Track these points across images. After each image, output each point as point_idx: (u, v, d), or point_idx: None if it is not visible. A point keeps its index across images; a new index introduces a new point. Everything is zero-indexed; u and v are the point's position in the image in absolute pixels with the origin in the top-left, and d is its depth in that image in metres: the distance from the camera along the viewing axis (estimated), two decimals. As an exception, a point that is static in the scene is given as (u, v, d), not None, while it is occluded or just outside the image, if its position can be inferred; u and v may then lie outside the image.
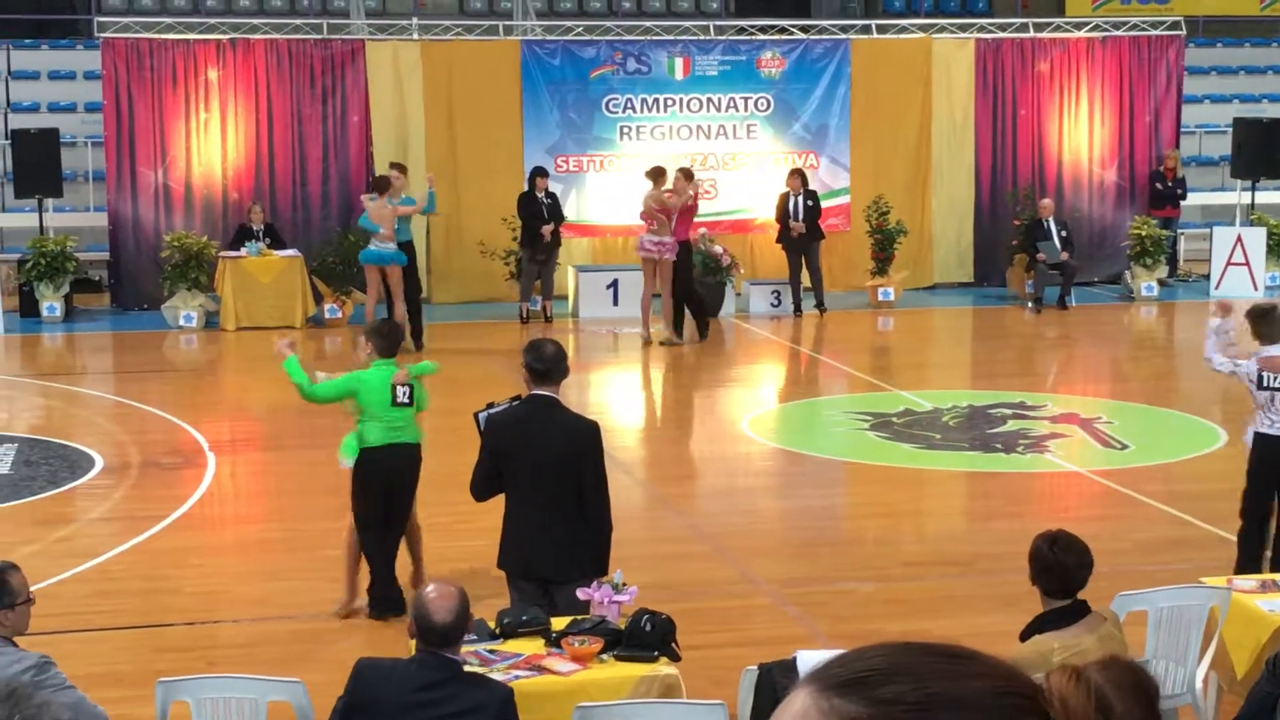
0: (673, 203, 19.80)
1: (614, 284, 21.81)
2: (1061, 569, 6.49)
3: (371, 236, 19.14)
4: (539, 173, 21.45)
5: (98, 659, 9.05)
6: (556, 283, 21.86)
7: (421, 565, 10.46)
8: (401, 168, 20.04)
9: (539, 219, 21.06)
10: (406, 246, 19.31)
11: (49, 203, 22.62)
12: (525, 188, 21.52)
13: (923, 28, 24.87)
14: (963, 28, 24.85)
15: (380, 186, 19.40)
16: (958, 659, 1.64)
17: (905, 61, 23.94)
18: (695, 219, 20.75)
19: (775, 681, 6.40)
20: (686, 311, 20.08)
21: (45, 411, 16.66)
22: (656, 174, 20.10)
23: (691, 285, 20.24)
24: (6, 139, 23.82)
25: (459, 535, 11.30)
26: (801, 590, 10.59)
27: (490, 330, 20.75)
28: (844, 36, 24.11)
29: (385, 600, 10.10)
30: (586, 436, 8.10)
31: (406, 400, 10.03)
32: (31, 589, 6.61)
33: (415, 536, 10.44)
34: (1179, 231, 24.75)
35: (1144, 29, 24.75)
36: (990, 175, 24.32)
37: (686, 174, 20.29)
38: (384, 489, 10.11)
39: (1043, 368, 19.54)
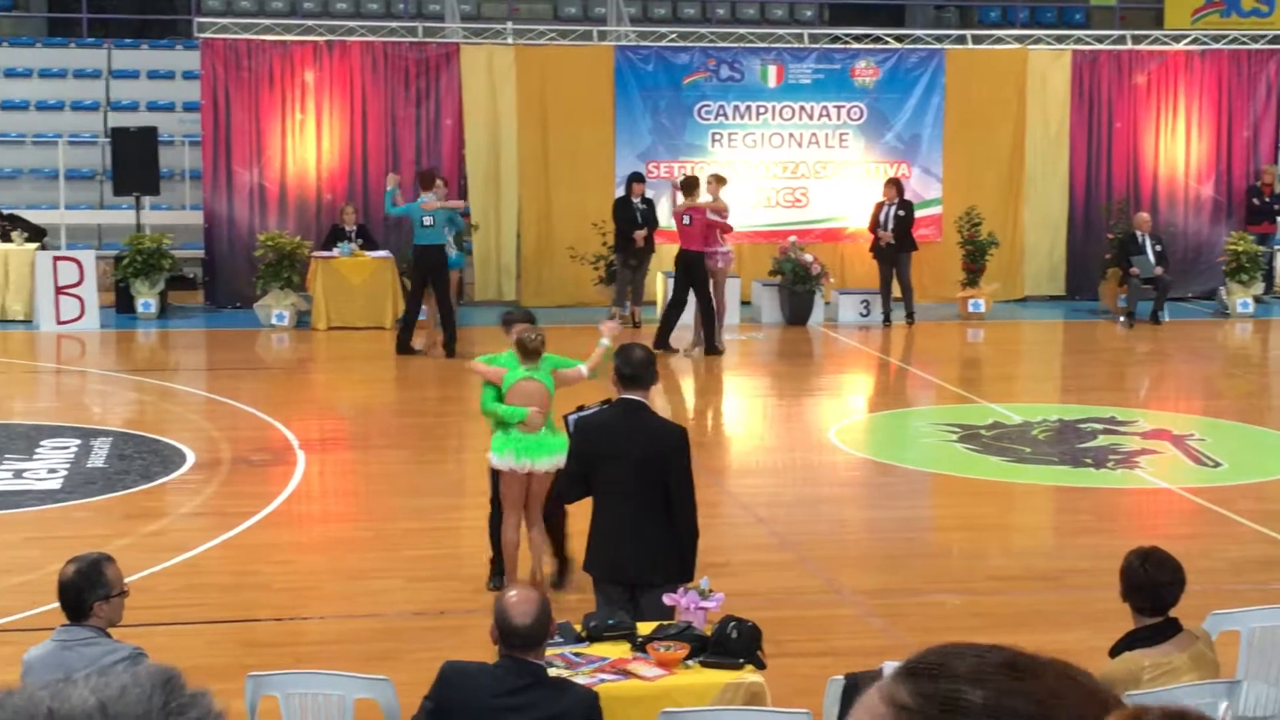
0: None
1: (703, 290, 21.76)
2: (1153, 586, 6.43)
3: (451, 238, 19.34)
4: (635, 178, 21.47)
5: (189, 652, 9.14)
6: (648, 289, 21.89)
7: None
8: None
9: (633, 224, 21.10)
10: (428, 251, 19.29)
11: (146, 200, 22.92)
12: (620, 193, 21.58)
13: (1018, 38, 24.70)
14: (1059, 39, 24.65)
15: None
16: (1021, 672, 1.65)
17: (1000, 72, 23.79)
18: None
19: (861, 692, 6.38)
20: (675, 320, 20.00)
21: (139, 406, 16.86)
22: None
23: (681, 296, 20.02)
24: (107, 137, 24.15)
25: (545, 538, 11.33)
26: (887, 601, 10.54)
27: (578, 335, 20.68)
28: (939, 46, 23.99)
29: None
30: (673, 441, 8.11)
31: None
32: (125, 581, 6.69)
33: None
34: (1276, 248, 24.45)
35: (1244, 42, 24.47)
36: (1084, 188, 24.13)
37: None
38: None
39: (1134, 383, 19.36)
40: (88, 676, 1.52)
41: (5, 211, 22.61)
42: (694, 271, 19.65)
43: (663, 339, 19.56)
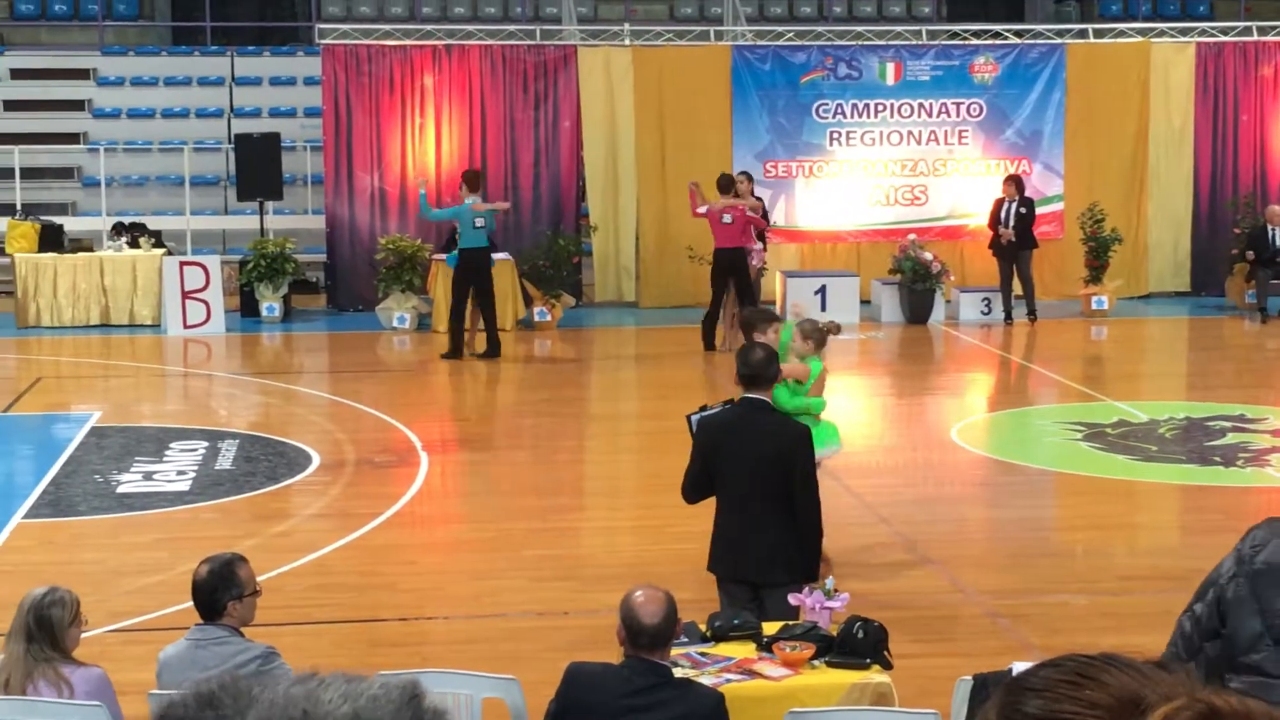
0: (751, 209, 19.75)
1: (822, 290, 21.73)
2: (1288, 586, 6.31)
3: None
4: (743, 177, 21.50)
5: (317, 652, 9.24)
6: (765, 287, 21.85)
7: None
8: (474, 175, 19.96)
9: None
10: (477, 253, 19.11)
11: (269, 205, 23.23)
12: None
13: (1141, 31, 24.39)
14: (1183, 31, 24.31)
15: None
16: (1086, 680, 1.65)
17: (1122, 66, 23.50)
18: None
19: (989, 693, 6.33)
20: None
21: (264, 409, 17.09)
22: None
23: (751, 293, 19.88)
24: (230, 143, 24.50)
25: (667, 538, 11.36)
26: (1012, 602, 10.44)
27: (697, 335, 20.77)
28: (1059, 41, 23.75)
29: None
30: (796, 439, 8.10)
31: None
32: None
33: None
34: None
35: (1374, 32, 24.01)
36: (1210, 182, 23.78)
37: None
38: None
39: (1263, 379, 19.02)
40: (337, 682, 1.55)
41: (128, 221, 22.95)
42: (739, 268, 19.56)
43: (708, 341, 19.62)
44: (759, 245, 20.02)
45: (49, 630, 6.48)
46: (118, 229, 22.63)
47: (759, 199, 20.96)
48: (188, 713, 1.53)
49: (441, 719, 1.57)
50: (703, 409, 8.60)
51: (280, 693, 1.53)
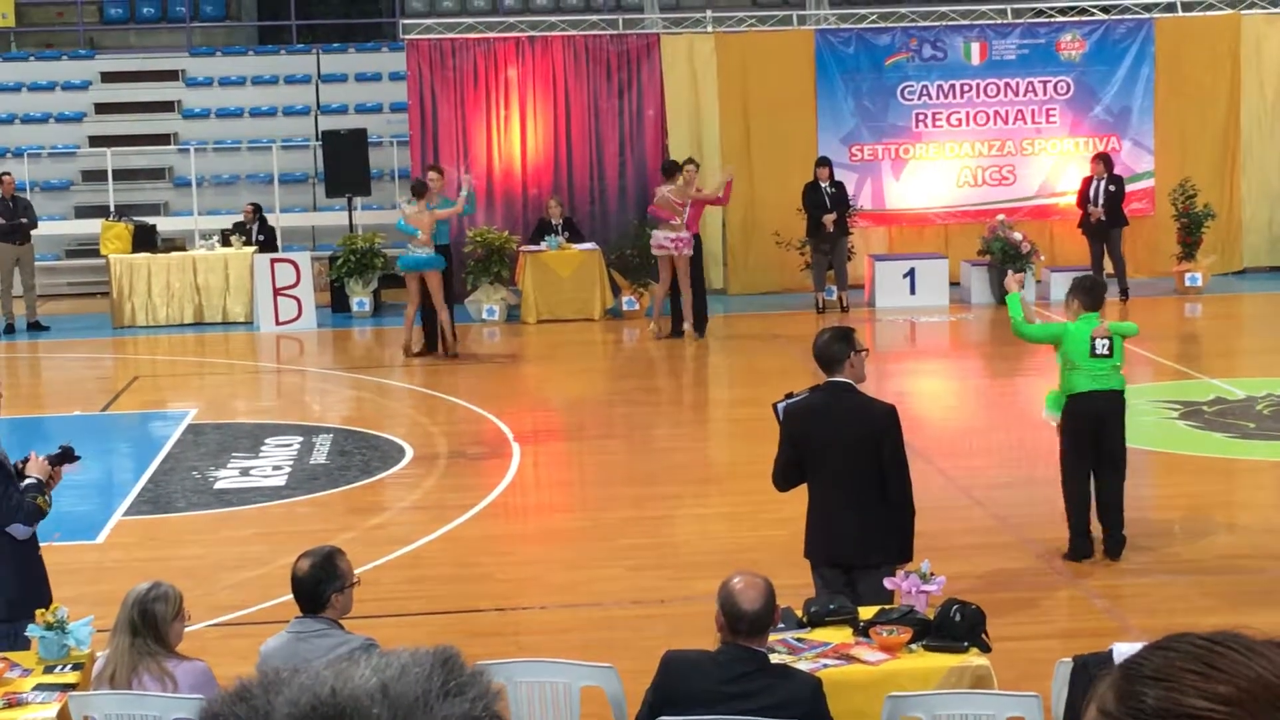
0: (705, 194, 19.64)
1: (911, 273, 21.62)
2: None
3: (409, 241, 18.87)
4: (821, 163, 21.47)
5: (414, 643, 9.10)
6: (852, 272, 21.78)
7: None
8: (439, 169, 19.84)
9: (821, 208, 21.08)
10: (444, 250, 19.13)
11: (358, 201, 23.37)
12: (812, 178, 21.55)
13: (1230, 3, 24.06)
14: (1273, 1, 23.95)
15: (419, 191, 18.98)
16: (1211, 669, 1.55)
17: (1212, 39, 23.20)
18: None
19: (1091, 675, 6.28)
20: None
21: (357, 403, 17.22)
22: (671, 169, 19.74)
23: (701, 280, 19.91)
24: (317, 140, 24.68)
25: (760, 524, 11.35)
26: (1110, 582, 10.36)
27: (786, 320, 20.75)
28: (1147, 16, 23.47)
29: (1078, 549, 10.66)
30: (884, 419, 8.08)
31: (1106, 352, 10.50)
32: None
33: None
34: None
35: None
36: (1304, 155, 23.44)
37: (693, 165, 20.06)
38: (1091, 433, 10.58)
39: (1362, 354, 18.73)
40: (369, 656, 1.56)
41: (251, 208, 22.99)
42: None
43: (678, 326, 19.85)
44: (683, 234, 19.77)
45: (153, 625, 6.57)
46: (238, 225, 22.58)
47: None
48: (222, 709, 1.54)
49: (476, 681, 1.56)
50: (789, 396, 8.58)
51: (311, 673, 1.54)
